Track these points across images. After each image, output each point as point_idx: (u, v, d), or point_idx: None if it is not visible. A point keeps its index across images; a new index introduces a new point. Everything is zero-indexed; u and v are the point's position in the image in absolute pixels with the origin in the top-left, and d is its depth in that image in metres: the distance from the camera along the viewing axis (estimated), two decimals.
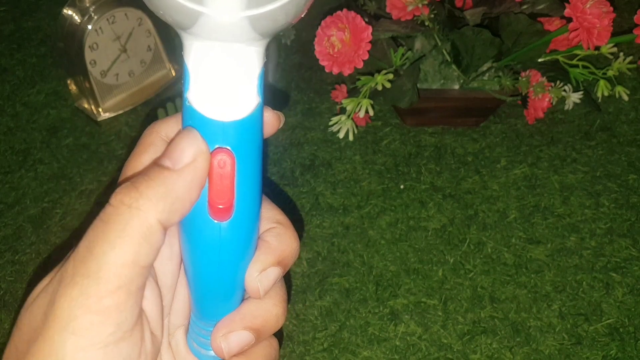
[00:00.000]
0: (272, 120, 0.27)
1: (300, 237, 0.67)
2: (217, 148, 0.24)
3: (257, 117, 0.25)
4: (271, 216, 0.27)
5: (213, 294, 0.27)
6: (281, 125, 0.27)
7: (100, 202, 0.71)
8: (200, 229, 0.25)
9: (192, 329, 0.28)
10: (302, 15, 0.24)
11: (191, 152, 0.24)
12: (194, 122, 0.24)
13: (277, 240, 0.27)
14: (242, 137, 0.24)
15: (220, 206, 0.24)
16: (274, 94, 0.82)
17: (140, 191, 0.23)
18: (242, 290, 0.27)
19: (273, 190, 0.71)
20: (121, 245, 0.22)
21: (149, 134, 0.26)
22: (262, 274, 0.26)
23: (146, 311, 0.25)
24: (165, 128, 0.26)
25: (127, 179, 0.25)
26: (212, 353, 0.28)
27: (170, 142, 0.24)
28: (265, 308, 0.27)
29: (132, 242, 0.22)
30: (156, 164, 0.24)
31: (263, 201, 0.27)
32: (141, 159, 0.26)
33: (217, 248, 0.25)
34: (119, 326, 0.22)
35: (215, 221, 0.25)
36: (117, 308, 0.22)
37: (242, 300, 0.27)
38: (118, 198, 0.23)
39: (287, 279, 0.64)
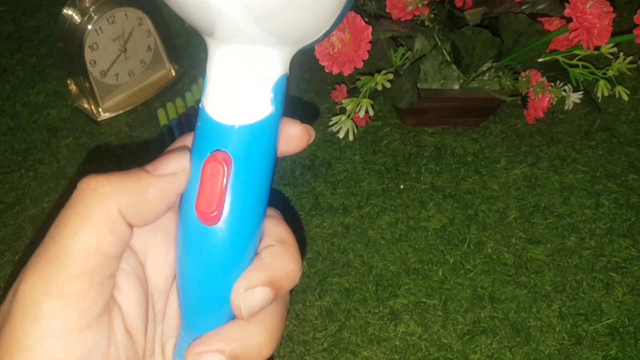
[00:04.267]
0: (300, 134, 0.25)
1: (300, 236, 0.67)
2: (217, 150, 0.24)
3: (266, 127, 0.24)
4: (275, 234, 0.26)
5: (196, 304, 0.26)
6: (311, 140, 0.26)
7: None
8: (186, 228, 0.25)
9: (178, 341, 0.27)
10: (328, 28, 0.23)
11: (174, 165, 0.24)
12: (201, 122, 0.24)
13: (272, 258, 0.25)
14: (244, 143, 0.24)
15: (207, 208, 0.24)
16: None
17: (109, 179, 0.23)
18: (226, 306, 0.25)
19: (273, 190, 0.71)
20: (83, 231, 0.22)
21: (176, 142, 0.26)
22: (248, 292, 0.24)
23: (122, 305, 0.24)
24: (185, 139, 0.27)
25: None
26: None
27: (161, 155, 0.25)
28: (248, 333, 0.24)
29: (95, 228, 0.22)
30: (138, 167, 0.24)
31: (271, 218, 0.26)
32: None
33: (202, 253, 0.25)
34: (83, 313, 0.22)
35: (202, 224, 0.24)
36: (79, 294, 0.22)
37: (231, 318, 0.26)
38: (85, 181, 0.23)
39: None
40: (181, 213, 0.25)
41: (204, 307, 0.26)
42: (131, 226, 0.23)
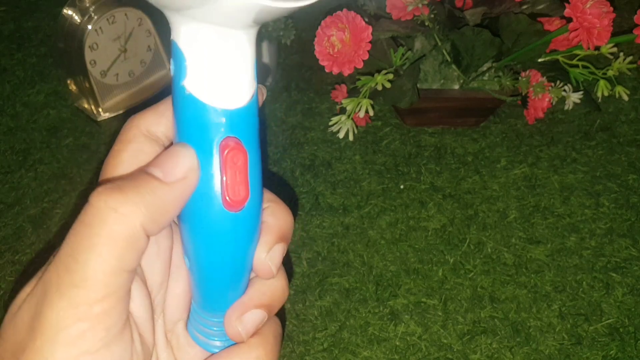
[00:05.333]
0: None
1: (300, 236, 0.67)
2: (226, 138, 0.24)
3: (256, 103, 0.25)
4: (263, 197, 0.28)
5: (225, 284, 0.26)
6: (264, 98, 0.27)
7: None
8: (213, 221, 0.25)
9: (195, 321, 0.28)
10: None
11: (185, 167, 0.23)
12: (195, 111, 0.24)
13: (273, 218, 0.27)
14: (247, 123, 0.24)
15: (237, 197, 0.24)
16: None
17: (127, 196, 0.22)
18: (249, 276, 0.27)
19: (273, 190, 0.71)
20: (107, 252, 0.22)
21: (128, 129, 0.26)
22: (270, 253, 0.26)
23: (133, 313, 0.25)
24: (145, 122, 0.26)
25: (109, 179, 0.25)
26: (218, 343, 0.28)
27: (164, 153, 0.24)
28: (270, 283, 0.27)
29: (118, 248, 0.22)
30: (145, 171, 0.23)
31: None
32: (121, 156, 0.25)
33: (232, 238, 0.25)
34: (109, 330, 0.22)
35: (230, 212, 0.24)
36: (106, 314, 0.22)
37: (247, 285, 0.28)
38: (102, 199, 0.22)
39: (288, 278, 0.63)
40: (198, 206, 0.25)
41: (231, 284, 0.26)
42: (148, 237, 0.23)
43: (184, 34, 0.23)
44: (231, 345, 0.27)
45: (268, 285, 0.27)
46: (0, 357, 0.23)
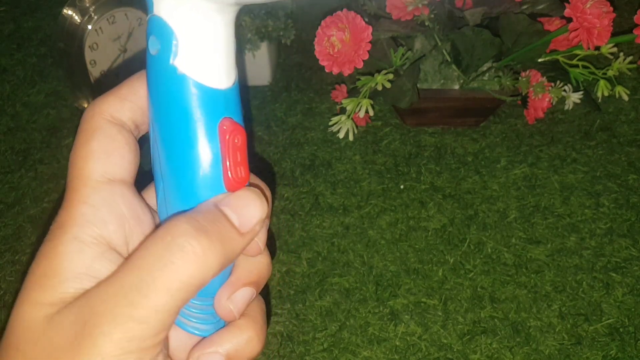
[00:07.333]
0: None
1: (300, 236, 0.67)
2: (223, 119, 0.23)
3: (238, 83, 0.25)
4: None
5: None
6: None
7: None
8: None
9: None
10: None
11: (259, 218, 0.24)
12: (190, 93, 0.23)
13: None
14: (237, 103, 0.24)
15: (239, 177, 0.24)
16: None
17: (211, 240, 0.22)
18: None
19: (272, 190, 0.71)
20: (178, 293, 0.22)
21: (91, 117, 0.24)
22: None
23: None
24: (109, 108, 0.25)
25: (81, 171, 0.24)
26: (203, 326, 0.27)
27: (239, 195, 0.24)
28: (255, 260, 0.27)
29: (188, 292, 0.22)
30: (221, 211, 0.23)
31: None
32: (91, 147, 0.24)
33: None
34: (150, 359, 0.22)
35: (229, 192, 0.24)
36: (154, 347, 0.22)
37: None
38: (188, 241, 0.22)
39: (288, 279, 0.64)
40: (197, 191, 0.24)
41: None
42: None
43: (170, 8, 0.22)
44: (218, 328, 0.27)
45: (253, 262, 0.27)
46: (30, 351, 0.22)
